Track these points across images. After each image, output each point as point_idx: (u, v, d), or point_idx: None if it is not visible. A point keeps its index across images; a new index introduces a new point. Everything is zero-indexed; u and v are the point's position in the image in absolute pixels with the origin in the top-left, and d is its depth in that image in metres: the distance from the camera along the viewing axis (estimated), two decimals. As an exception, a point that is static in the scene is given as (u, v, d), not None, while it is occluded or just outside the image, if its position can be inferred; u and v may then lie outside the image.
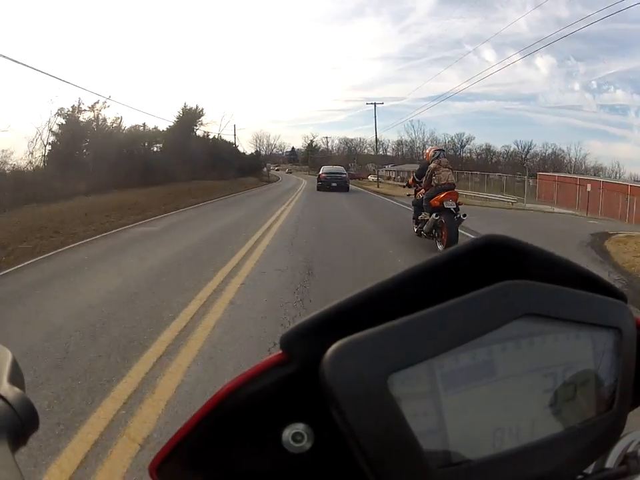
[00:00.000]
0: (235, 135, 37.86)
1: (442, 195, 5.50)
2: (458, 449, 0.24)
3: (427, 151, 6.55)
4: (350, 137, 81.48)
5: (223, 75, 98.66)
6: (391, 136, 78.76)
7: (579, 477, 0.30)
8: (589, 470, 0.31)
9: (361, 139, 71.69)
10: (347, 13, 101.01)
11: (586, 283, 0.29)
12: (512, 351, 0.25)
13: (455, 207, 5.43)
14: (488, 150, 56.87)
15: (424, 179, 6.00)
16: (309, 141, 74.37)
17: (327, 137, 70.99)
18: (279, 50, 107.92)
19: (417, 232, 6.35)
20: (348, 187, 19.46)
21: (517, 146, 55.45)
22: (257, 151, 51.83)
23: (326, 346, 0.23)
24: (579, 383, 0.27)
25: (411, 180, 6.93)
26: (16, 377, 0.29)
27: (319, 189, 19.06)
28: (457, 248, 0.26)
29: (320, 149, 71.34)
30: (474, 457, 0.24)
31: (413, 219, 6.61)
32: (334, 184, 18.93)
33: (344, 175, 20.04)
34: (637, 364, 0.29)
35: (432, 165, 5.83)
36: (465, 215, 5.60)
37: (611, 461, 0.32)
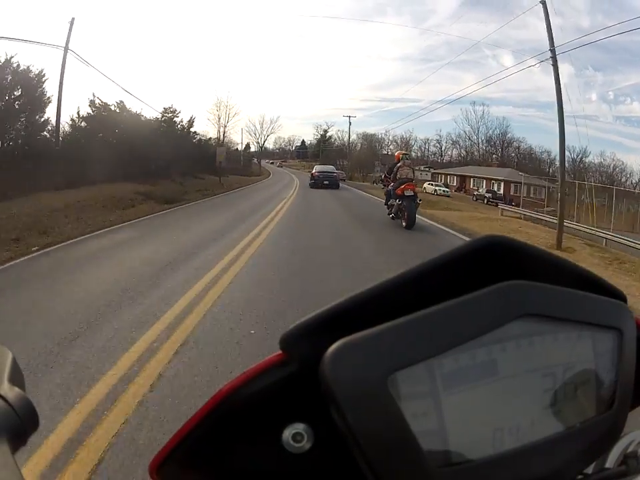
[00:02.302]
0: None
1: (403, 186, 7.75)
2: (458, 449, 0.23)
3: (397, 154, 9.22)
4: (370, 132, 60.94)
5: (233, 72, 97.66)
6: (418, 132, 69.10)
7: (579, 477, 0.30)
8: (589, 470, 0.31)
9: (383, 134, 54.59)
10: (367, 12, 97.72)
11: (586, 284, 0.29)
12: (512, 351, 0.25)
13: (412, 194, 7.69)
14: (529, 155, 47.30)
15: (392, 175, 8.41)
16: (322, 131, 60.50)
17: (349, 116, 45.10)
18: (294, 47, 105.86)
19: (388, 214, 8.62)
20: (338, 185, 21.17)
21: (570, 152, 42.22)
22: (193, 133, 23.02)
23: (326, 346, 0.23)
24: (579, 382, 0.27)
25: (383, 176, 9.82)
26: (16, 377, 0.28)
27: (311, 186, 20.41)
28: (457, 248, 0.26)
29: (335, 144, 56.50)
30: (474, 457, 0.24)
31: (385, 204, 9.08)
32: (326, 182, 20.43)
33: (335, 174, 22.17)
34: (637, 364, 0.29)
35: (399, 164, 8.26)
36: (420, 200, 8.17)
37: (611, 461, 0.32)
